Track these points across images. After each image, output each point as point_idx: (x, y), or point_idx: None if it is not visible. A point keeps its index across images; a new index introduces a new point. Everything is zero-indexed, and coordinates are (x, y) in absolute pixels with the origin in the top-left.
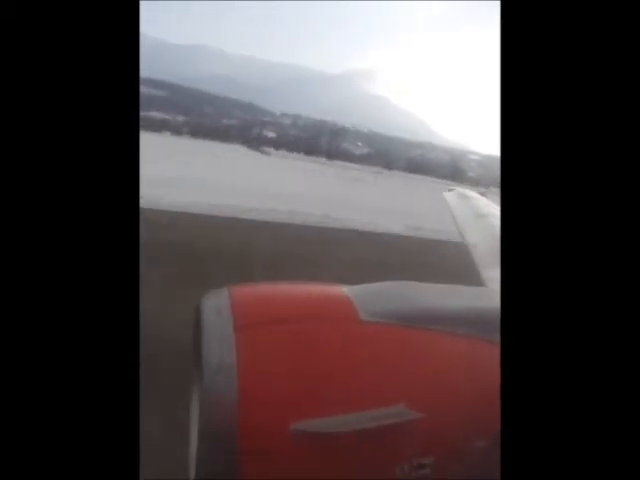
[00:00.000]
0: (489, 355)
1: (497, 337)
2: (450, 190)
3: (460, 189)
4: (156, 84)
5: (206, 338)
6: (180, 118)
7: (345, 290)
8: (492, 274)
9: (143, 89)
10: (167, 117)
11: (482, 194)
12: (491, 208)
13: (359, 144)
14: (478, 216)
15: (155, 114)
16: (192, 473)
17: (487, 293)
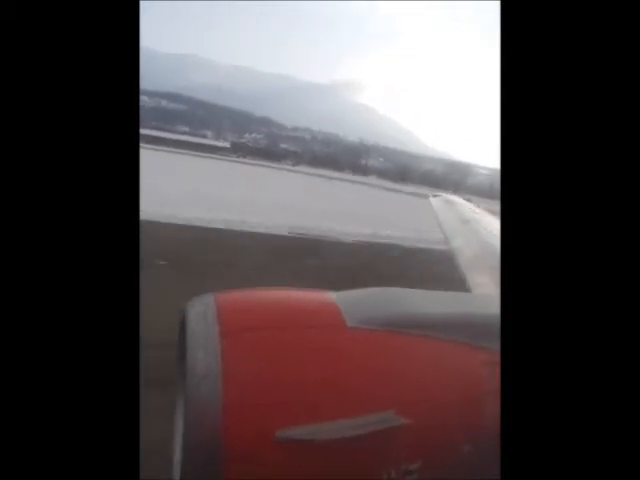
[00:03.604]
0: (476, 360)
1: (484, 342)
2: (435, 196)
3: (445, 195)
4: (175, 98)
5: (191, 344)
6: (207, 132)
7: (332, 296)
8: (477, 279)
9: (164, 103)
10: (194, 131)
11: (468, 200)
12: (475, 214)
13: (381, 159)
14: (463, 222)
15: (183, 128)
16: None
17: (473, 299)
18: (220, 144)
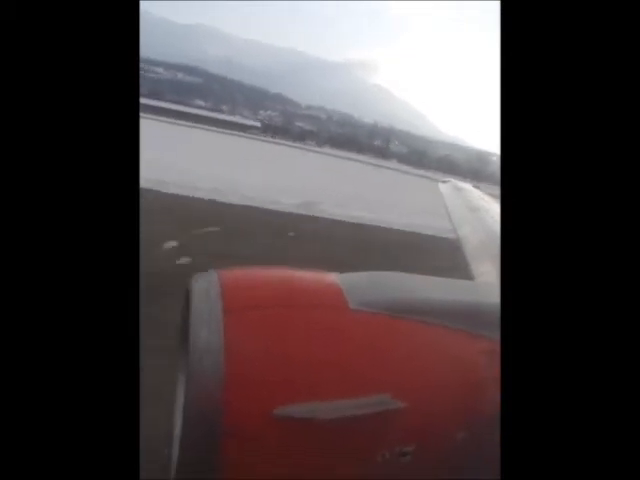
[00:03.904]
0: (475, 348)
1: (484, 331)
2: (444, 182)
3: (454, 181)
4: (191, 71)
5: (194, 320)
6: (224, 107)
7: (335, 278)
8: (482, 268)
9: (181, 76)
10: (211, 106)
11: (476, 187)
12: (483, 201)
13: (396, 143)
14: (470, 209)
15: (201, 103)
16: (175, 453)
17: (476, 287)
18: (251, 123)
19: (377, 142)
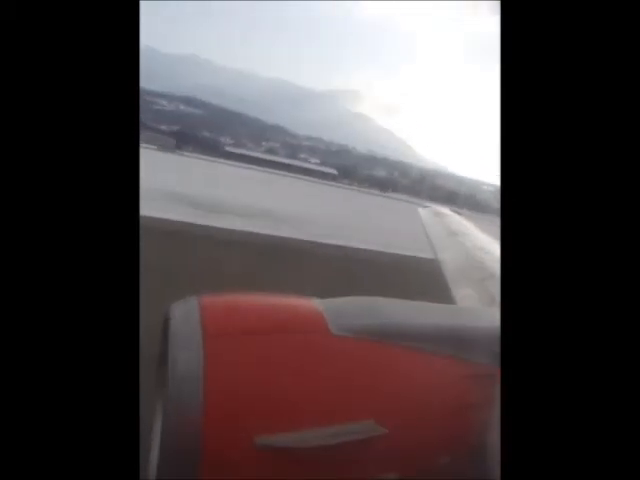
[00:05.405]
0: (458, 373)
1: (467, 355)
2: (424, 207)
3: (435, 207)
4: (190, 101)
5: (172, 346)
6: (224, 139)
7: (317, 303)
8: (462, 292)
9: (182, 107)
10: (218, 138)
11: (456, 212)
12: (463, 226)
13: (395, 174)
14: (450, 234)
15: (207, 134)
16: None
17: (459, 311)
18: (327, 170)
19: (372, 171)
